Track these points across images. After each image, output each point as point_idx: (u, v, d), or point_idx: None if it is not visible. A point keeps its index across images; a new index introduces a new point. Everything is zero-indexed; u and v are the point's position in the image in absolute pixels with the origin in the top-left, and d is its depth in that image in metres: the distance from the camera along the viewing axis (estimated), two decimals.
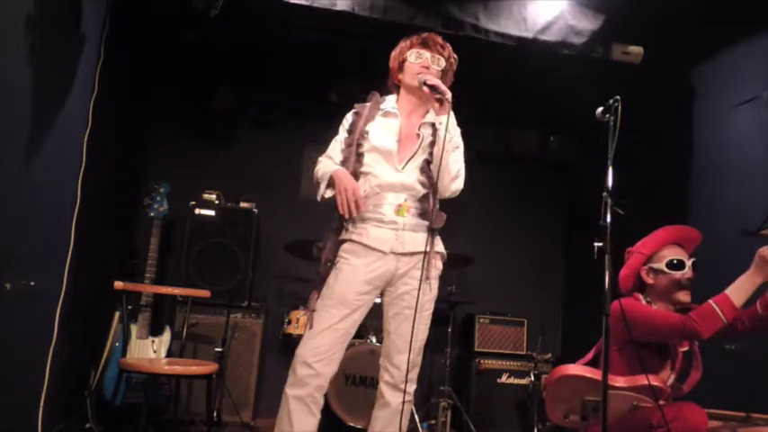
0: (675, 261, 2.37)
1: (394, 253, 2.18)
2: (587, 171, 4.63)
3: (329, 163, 2.27)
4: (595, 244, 2.54)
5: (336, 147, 2.32)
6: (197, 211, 3.96)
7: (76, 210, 2.78)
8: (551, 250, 5.07)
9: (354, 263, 2.17)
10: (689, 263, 2.39)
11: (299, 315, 3.74)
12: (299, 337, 3.67)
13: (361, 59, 3.81)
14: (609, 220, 2.26)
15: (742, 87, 3.18)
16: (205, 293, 3.23)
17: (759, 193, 2.42)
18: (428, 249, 2.19)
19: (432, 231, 2.22)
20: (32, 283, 2.43)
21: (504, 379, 4.19)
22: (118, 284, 2.87)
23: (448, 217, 2.28)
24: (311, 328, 2.16)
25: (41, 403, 2.53)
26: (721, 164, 3.27)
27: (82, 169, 2.83)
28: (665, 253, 2.41)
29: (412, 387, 2.22)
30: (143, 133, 4.38)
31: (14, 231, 2.26)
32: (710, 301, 2.17)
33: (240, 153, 4.53)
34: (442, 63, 2.32)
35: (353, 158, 2.23)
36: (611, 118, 2.42)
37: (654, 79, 3.70)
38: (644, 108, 2.66)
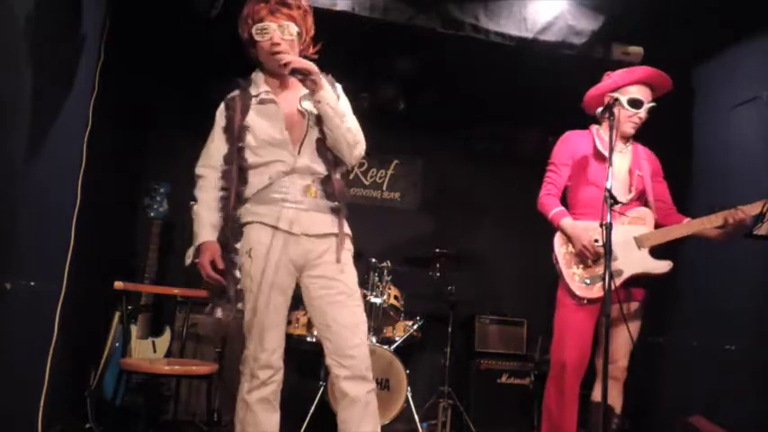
0: (635, 100, 2.59)
1: (306, 235, 2.01)
2: None
3: (203, 217, 2.06)
4: (596, 244, 2.55)
5: (211, 150, 2.11)
6: None
7: (76, 210, 2.78)
8: (551, 250, 5.05)
9: (267, 245, 1.99)
10: (647, 106, 2.59)
11: (300, 315, 3.74)
12: (300, 336, 3.73)
13: (360, 60, 3.81)
14: (609, 220, 2.27)
15: (742, 87, 3.18)
16: (205, 293, 3.22)
17: (759, 193, 2.43)
18: (338, 230, 2.05)
19: (339, 210, 2.07)
20: (32, 284, 2.44)
21: (504, 379, 4.19)
22: (118, 284, 2.87)
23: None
24: (252, 328, 2.00)
25: (41, 403, 2.53)
26: (721, 164, 3.27)
27: (82, 169, 2.83)
28: (633, 89, 2.60)
29: (371, 374, 2.01)
30: (143, 133, 4.37)
31: (15, 231, 2.26)
32: (555, 212, 2.72)
33: None
34: (293, 28, 2.03)
35: (236, 156, 2.03)
36: (612, 118, 2.43)
37: None
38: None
